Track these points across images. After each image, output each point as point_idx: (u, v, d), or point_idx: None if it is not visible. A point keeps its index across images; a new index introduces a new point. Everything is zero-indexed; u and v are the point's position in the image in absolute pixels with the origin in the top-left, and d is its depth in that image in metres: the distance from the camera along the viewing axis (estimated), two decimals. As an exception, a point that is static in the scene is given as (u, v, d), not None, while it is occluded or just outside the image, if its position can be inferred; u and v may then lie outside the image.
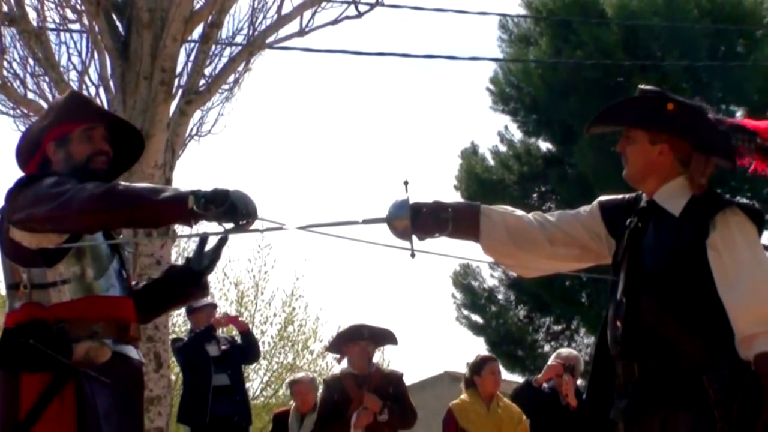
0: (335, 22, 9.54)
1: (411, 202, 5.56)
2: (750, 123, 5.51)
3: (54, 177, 5.68)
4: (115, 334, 5.83)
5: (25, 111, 8.94)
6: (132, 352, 5.96)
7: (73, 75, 9.07)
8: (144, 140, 6.56)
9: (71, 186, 5.48)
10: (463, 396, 12.14)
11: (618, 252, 5.48)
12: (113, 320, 5.86)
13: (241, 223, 5.35)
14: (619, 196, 5.67)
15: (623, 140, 5.49)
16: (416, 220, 5.55)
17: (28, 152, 6.12)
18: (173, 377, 10.14)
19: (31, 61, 9.07)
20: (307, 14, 9.37)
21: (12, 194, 5.75)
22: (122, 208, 5.44)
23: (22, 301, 5.79)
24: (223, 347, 14.27)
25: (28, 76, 9.07)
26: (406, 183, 5.62)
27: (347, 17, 9.58)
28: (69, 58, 9.15)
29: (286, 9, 9.33)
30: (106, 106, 8.99)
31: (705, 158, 5.34)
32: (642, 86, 5.62)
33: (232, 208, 5.26)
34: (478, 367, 12.25)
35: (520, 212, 5.71)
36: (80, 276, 5.80)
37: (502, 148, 33.60)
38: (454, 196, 33.37)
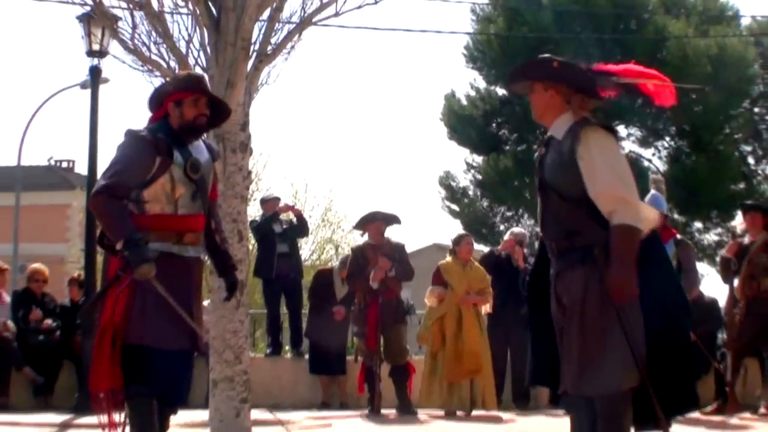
0: (359, 7, 9.47)
1: None
2: (609, 67, 5.55)
3: (123, 147, 6.05)
4: (173, 239, 6.05)
5: (150, 68, 8.92)
6: (188, 251, 6.13)
7: (182, 44, 9.03)
8: (230, 111, 6.78)
9: (118, 167, 5.95)
10: (448, 258, 12.18)
11: (535, 170, 5.54)
12: (173, 231, 6.07)
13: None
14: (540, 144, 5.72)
15: (529, 91, 5.54)
16: None
17: (154, 104, 6.32)
18: (250, 246, 10.18)
19: (153, 34, 9.02)
20: (341, 2, 9.30)
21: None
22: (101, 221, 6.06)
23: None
24: (284, 226, 14.31)
25: (152, 44, 9.02)
26: None
27: (368, 4, 9.50)
28: (179, 32, 9.10)
29: (326, -1, 9.29)
30: (205, 65, 9.02)
31: (580, 97, 5.39)
32: (541, 55, 5.66)
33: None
34: (458, 240, 12.29)
35: None
36: (156, 201, 6.04)
37: (472, 93, 33.76)
38: (440, 126, 33.65)
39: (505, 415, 11.41)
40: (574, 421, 5.37)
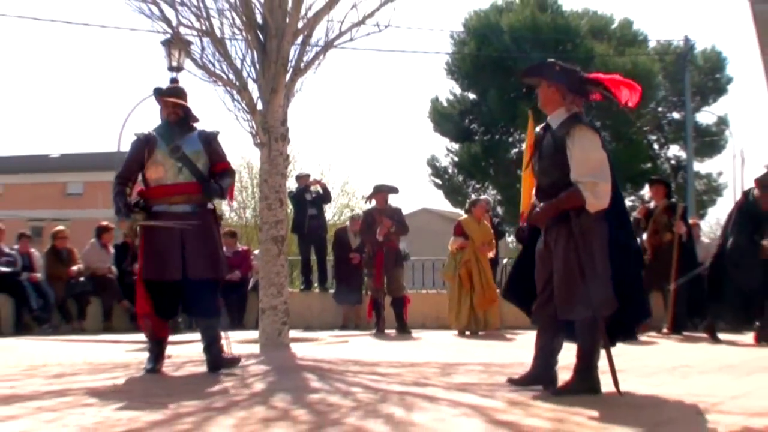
0: (368, 35, 9.34)
1: None
2: (598, 75, 5.33)
3: (130, 146, 6.49)
4: (165, 201, 6.34)
5: (214, 80, 8.84)
6: (177, 208, 6.32)
7: (238, 61, 8.93)
8: (191, 109, 6.65)
9: (124, 161, 6.50)
10: (465, 216, 12.06)
11: (536, 148, 5.34)
12: (164, 195, 6.34)
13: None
14: (541, 125, 5.42)
15: (537, 85, 5.33)
16: None
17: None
18: (288, 210, 10.17)
19: (217, 54, 8.93)
20: (355, 31, 9.20)
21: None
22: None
23: (138, 185, 6.56)
24: (313, 195, 14.28)
25: (216, 62, 8.92)
26: None
27: (374, 32, 9.37)
28: (236, 52, 9.00)
29: (344, 27, 9.18)
30: (255, 77, 8.94)
31: (573, 96, 5.19)
32: (549, 60, 5.47)
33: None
34: (474, 203, 12.15)
35: None
36: (151, 178, 6.42)
37: (451, 97, 33.65)
38: (427, 122, 33.70)
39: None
40: (540, 335, 5.28)
